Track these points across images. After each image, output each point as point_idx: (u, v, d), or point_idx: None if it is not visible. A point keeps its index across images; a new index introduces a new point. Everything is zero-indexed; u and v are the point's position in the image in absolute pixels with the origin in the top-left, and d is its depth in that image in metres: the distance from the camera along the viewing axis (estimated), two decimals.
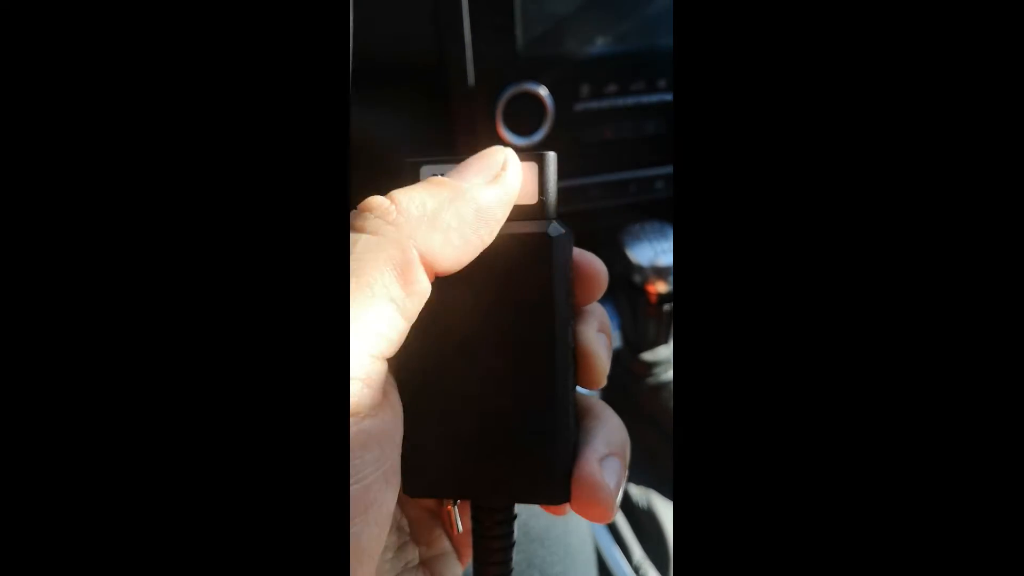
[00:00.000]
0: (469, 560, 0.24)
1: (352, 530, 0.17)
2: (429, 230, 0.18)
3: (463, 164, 0.19)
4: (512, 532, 0.23)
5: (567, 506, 0.22)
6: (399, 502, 0.24)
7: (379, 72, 0.51)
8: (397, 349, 0.18)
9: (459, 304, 0.21)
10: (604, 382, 0.23)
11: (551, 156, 0.21)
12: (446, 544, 0.26)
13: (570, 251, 0.22)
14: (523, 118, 0.51)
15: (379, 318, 0.17)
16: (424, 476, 0.22)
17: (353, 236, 0.17)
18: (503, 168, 0.19)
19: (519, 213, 0.21)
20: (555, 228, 0.21)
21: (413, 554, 0.24)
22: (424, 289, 0.18)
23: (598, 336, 0.22)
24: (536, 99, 0.51)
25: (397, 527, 0.24)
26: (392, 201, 0.18)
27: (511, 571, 0.24)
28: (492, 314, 0.21)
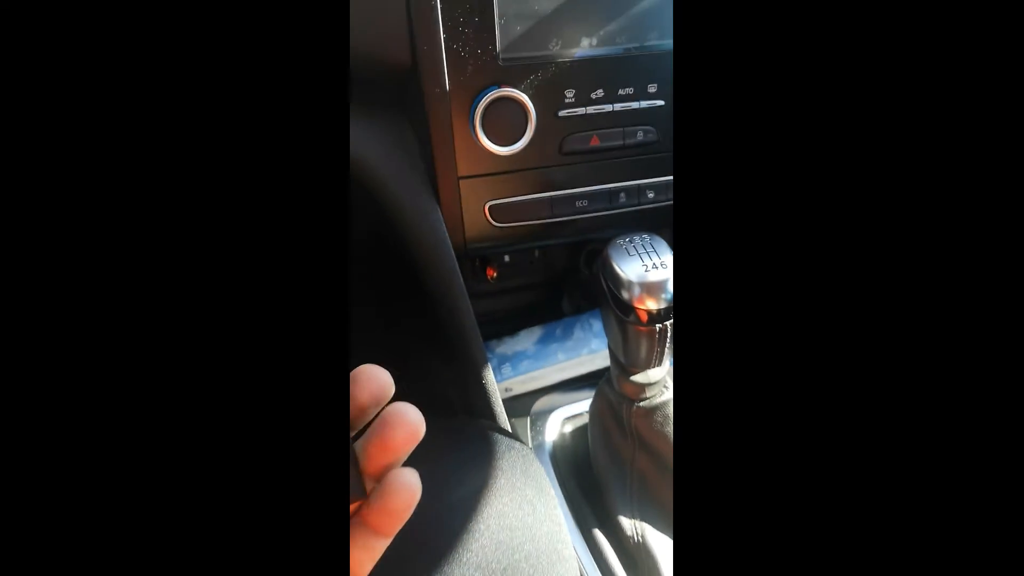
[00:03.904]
0: None
1: None
2: None
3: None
4: None
5: None
6: None
7: (352, 78, 0.48)
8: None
9: None
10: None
11: None
12: None
13: None
14: (504, 125, 0.49)
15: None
16: None
17: None
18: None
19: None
20: None
21: None
22: None
23: None
24: (518, 104, 0.48)
25: None
26: None
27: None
28: None
